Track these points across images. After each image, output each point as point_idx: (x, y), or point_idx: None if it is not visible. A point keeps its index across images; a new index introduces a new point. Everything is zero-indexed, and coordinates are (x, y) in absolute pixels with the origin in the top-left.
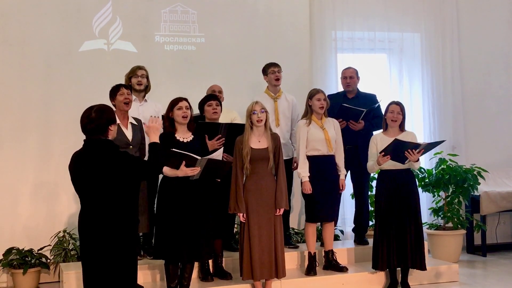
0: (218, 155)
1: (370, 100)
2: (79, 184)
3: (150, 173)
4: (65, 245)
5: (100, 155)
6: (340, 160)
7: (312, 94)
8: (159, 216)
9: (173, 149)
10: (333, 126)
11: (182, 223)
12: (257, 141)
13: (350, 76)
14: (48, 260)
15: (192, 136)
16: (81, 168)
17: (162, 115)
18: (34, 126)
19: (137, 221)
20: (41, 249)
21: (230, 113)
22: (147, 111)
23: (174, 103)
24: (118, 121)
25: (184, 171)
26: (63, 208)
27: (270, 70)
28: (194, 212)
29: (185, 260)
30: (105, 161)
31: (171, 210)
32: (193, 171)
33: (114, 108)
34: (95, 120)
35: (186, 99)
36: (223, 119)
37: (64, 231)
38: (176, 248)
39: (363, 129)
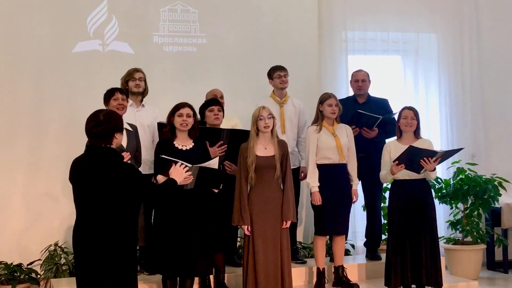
0: (214, 163)
1: (382, 105)
2: (78, 193)
3: (148, 197)
4: (56, 259)
5: (103, 163)
6: (353, 169)
7: (324, 98)
8: (155, 227)
9: (163, 156)
10: (346, 133)
11: (178, 235)
12: (263, 148)
13: (362, 80)
14: (38, 276)
15: (193, 144)
16: (81, 176)
17: (159, 123)
18: (24, 132)
19: (136, 237)
20: (31, 263)
21: (231, 120)
22: (145, 117)
23: (176, 108)
24: None
25: None
26: (54, 220)
27: (276, 74)
28: (191, 224)
29: (182, 275)
30: (108, 171)
31: (166, 221)
32: (186, 180)
33: None
34: (103, 124)
35: (190, 106)
36: (223, 127)
37: (56, 244)
38: (173, 262)
39: (376, 137)
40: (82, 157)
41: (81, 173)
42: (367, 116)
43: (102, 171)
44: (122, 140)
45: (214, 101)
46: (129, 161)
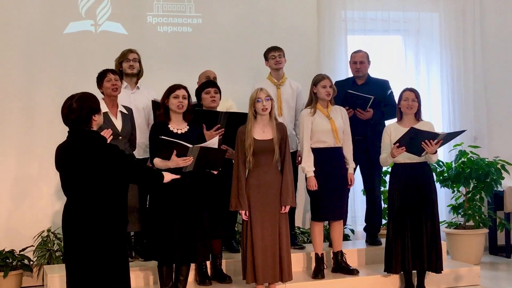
0: (213, 143)
1: (382, 86)
2: (63, 179)
3: (138, 179)
4: (49, 245)
5: (86, 147)
6: (348, 153)
7: (317, 80)
8: (151, 212)
9: (162, 137)
10: (341, 115)
11: (175, 220)
12: (261, 131)
13: (360, 61)
14: (31, 262)
15: (188, 127)
16: (65, 162)
17: (153, 100)
18: (15, 116)
19: (125, 220)
20: (24, 250)
21: (226, 101)
22: (140, 99)
23: (171, 90)
24: (106, 109)
25: (175, 161)
26: (47, 205)
27: (270, 54)
28: (188, 208)
29: (179, 261)
30: (91, 154)
31: (163, 206)
32: (185, 162)
33: (102, 96)
34: (77, 110)
35: (185, 87)
36: (218, 109)
37: (49, 230)
38: (169, 248)
39: (372, 119)
40: (65, 143)
41: (65, 159)
42: (358, 96)
43: (85, 155)
44: (117, 123)
45: (211, 83)
46: (110, 137)
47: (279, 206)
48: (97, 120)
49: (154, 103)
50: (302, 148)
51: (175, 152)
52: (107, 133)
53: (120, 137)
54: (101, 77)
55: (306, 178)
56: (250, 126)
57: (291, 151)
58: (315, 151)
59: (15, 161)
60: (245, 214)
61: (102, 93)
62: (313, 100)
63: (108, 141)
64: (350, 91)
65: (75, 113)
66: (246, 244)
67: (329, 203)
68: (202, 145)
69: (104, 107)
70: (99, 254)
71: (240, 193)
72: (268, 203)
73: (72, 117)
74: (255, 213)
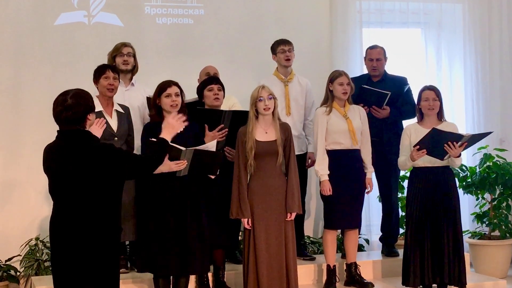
0: (211, 146)
1: (399, 84)
2: (52, 182)
3: (144, 170)
4: (37, 255)
5: (78, 148)
6: (367, 155)
7: (334, 77)
8: (145, 221)
9: (152, 139)
10: (359, 115)
11: (172, 229)
12: (264, 132)
13: (377, 59)
14: (18, 273)
15: (183, 127)
16: (55, 164)
17: (148, 97)
18: (1, 114)
19: (119, 228)
20: (10, 259)
21: (228, 99)
22: (135, 97)
23: (162, 88)
24: (101, 108)
25: (168, 165)
26: (35, 212)
27: (280, 48)
28: (185, 215)
29: (176, 274)
30: (84, 155)
31: (157, 214)
32: (179, 165)
33: (97, 92)
34: (72, 108)
35: (176, 84)
36: (220, 107)
37: (37, 238)
38: (165, 259)
39: (388, 118)
40: (55, 144)
41: (55, 160)
42: (373, 92)
43: (77, 156)
44: (112, 123)
45: (214, 79)
46: (104, 126)
47: (284, 213)
48: (91, 119)
49: (149, 100)
50: (316, 149)
51: (167, 155)
52: (100, 123)
53: (116, 138)
54: (100, 72)
55: (320, 182)
56: (252, 127)
57: (301, 153)
58: (330, 153)
59: (0, 164)
60: (248, 222)
61: (97, 88)
62: (329, 98)
63: (101, 131)
64: (365, 86)
65: (71, 111)
66: (249, 255)
67: (344, 210)
68: (197, 147)
69: (98, 106)
70: (89, 264)
71: (242, 199)
72: (272, 210)
73: (67, 114)
74: (258, 221)
